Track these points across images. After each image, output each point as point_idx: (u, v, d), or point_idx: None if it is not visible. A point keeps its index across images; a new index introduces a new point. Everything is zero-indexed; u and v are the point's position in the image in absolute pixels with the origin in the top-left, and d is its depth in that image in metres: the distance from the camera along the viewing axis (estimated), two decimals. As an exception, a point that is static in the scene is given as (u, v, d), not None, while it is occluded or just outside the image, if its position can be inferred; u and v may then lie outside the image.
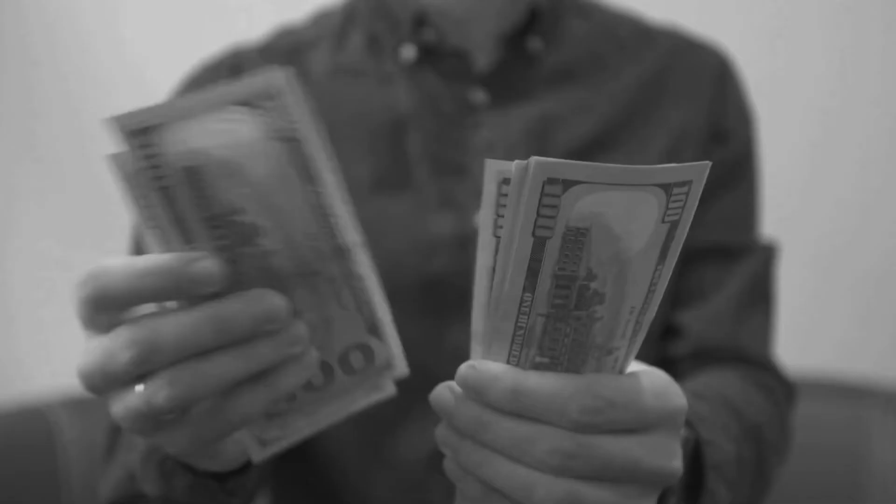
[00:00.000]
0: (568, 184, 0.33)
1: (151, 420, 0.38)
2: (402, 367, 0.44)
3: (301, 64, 0.74)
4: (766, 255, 0.75)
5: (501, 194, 0.36)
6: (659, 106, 0.73)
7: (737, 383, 0.65)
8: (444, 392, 0.40)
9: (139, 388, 0.38)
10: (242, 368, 0.38)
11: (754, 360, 0.71)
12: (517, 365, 0.38)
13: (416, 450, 0.68)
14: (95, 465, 0.96)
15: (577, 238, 0.34)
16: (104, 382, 0.38)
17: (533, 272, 0.35)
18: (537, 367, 0.38)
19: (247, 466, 0.48)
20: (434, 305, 0.68)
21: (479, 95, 0.71)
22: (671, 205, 0.35)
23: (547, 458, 0.37)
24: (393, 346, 0.43)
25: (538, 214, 0.34)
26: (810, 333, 1.25)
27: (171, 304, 0.38)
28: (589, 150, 0.71)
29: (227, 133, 0.35)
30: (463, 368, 0.39)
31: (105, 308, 0.38)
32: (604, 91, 0.73)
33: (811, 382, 1.02)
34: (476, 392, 0.38)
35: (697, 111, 0.74)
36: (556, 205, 0.33)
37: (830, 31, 1.28)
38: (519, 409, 0.37)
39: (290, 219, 0.37)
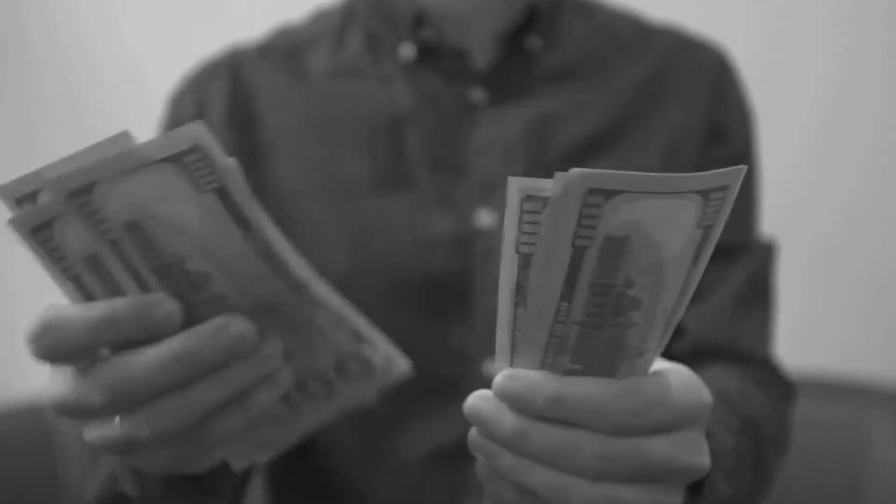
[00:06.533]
0: (609, 194, 0.33)
1: (127, 447, 0.38)
2: (402, 365, 0.44)
3: (300, 63, 0.74)
4: (765, 254, 0.75)
5: (525, 211, 0.35)
6: (658, 105, 0.73)
7: (734, 380, 0.65)
8: (479, 402, 0.39)
9: (118, 420, 0.38)
10: (220, 395, 0.38)
11: (753, 358, 0.71)
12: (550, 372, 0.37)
13: (416, 450, 0.68)
14: (95, 464, 0.96)
15: (616, 247, 0.34)
16: (78, 416, 0.38)
17: (571, 281, 0.35)
18: (569, 374, 0.37)
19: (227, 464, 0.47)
20: (433, 305, 0.68)
21: (478, 94, 0.71)
22: (707, 210, 0.35)
23: (589, 464, 0.36)
24: (386, 347, 0.43)
25: (578, 224, 0.33)
26: (810, 333, 1.25)
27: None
28: (588, 149, 0.71)
29: (161, 187, 0.36)
30: (499, 378, 0.38)
31: (64, 360, 0.38)
32: (603, 90, 0.73)
33: (812, 382, 1.02)
34: (516, 401, 0.37)
35: (696, 110, 0.74)
36: (597, 215, 0.33)
37: (830, 31, 1.28)
38: (560, 415, 0.37)
39: (235, 264, 0.38)
